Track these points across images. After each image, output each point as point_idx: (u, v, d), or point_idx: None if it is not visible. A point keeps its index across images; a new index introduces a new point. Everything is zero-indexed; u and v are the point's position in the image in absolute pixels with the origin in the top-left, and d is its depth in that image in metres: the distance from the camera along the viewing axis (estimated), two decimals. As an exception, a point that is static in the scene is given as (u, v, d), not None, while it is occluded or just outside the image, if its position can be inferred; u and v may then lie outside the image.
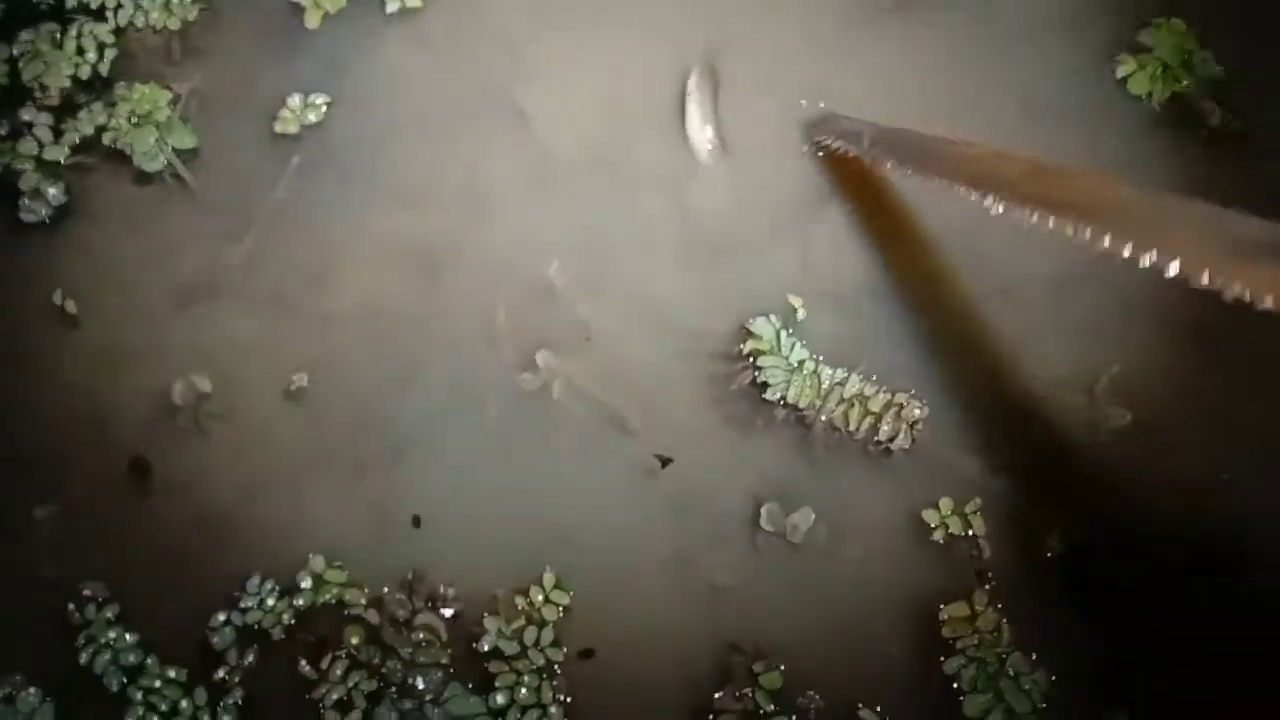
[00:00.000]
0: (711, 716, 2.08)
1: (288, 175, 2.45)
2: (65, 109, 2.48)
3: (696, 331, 2.33)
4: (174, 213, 2.44)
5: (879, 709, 2.09)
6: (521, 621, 2.13)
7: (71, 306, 2.35)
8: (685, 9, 2.58)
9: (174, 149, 2.45)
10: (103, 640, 2.11)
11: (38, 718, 2.08)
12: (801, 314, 2.30)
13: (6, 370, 2.33)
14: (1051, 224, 1.79)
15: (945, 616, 2.12)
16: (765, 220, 2.41)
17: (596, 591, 2.16)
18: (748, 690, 2.09)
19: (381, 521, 2.22)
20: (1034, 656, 2.10)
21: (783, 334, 2.27)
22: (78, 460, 2.26)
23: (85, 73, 2.50)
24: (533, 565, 2.17)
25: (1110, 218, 1.71)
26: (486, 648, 2.11)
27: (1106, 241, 1.69)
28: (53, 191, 2.42)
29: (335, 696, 2.08)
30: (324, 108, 2.49)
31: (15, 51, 2.50)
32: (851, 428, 2.22)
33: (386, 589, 2.16)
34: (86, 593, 2.15)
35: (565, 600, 2.14)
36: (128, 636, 2.12)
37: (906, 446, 2.21)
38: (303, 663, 2.11)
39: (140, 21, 2.54)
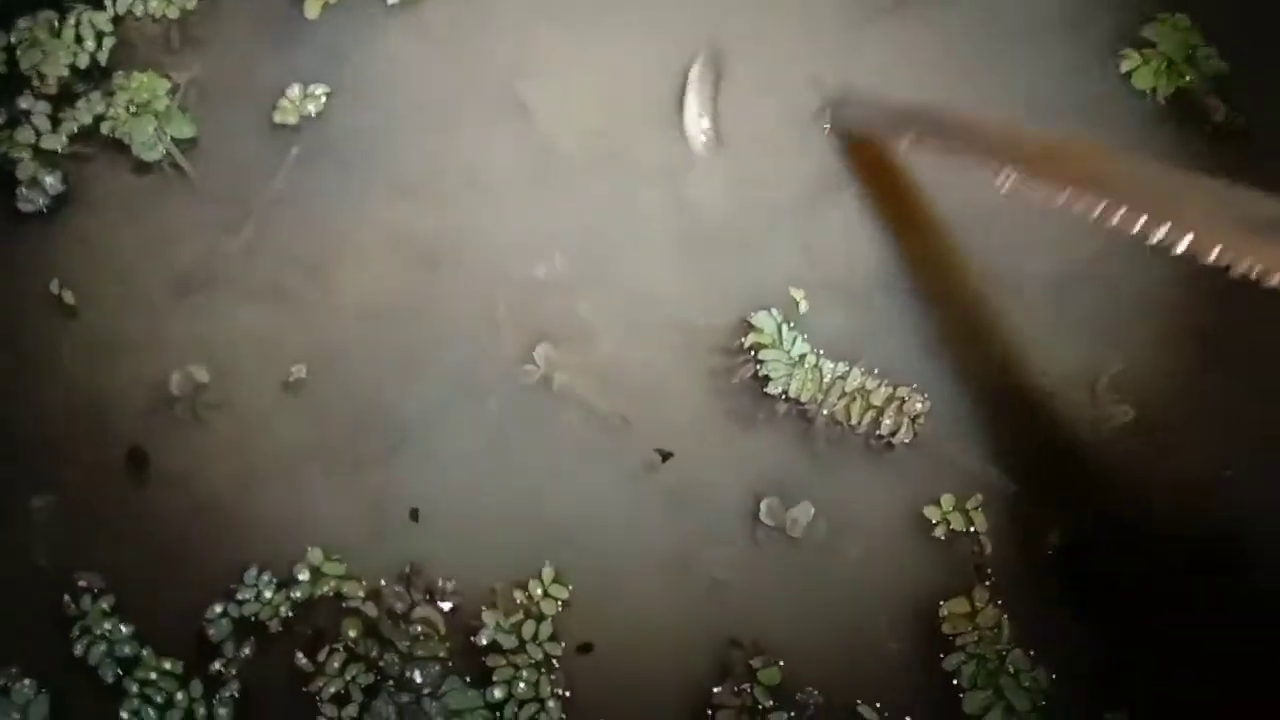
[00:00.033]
0: (710, 712, 2.08)
1: (287, 165, 2.44)
2: (63, 97, 2.47)
3: (698, 325, 2.32)
4: (172, 202, 2.43)
5: (878, 705, 2.09)
6: (520, 615, 2.12)
7: (69, 296, 2.34)
8: (687, 3, 2.56)
9: (173, 138, 2.44)
10: (98, 631, 2.11)
11: (33, 709, 2.08)
12: (803, 307, 2.29)
13: (3, 360, 2.32)
14: (1065, 199, 1.79)
15: (945, 613, 2.12)
16: (767, 213, 2.41)
17: (595, 586, 2.16)
18: (746, 686, 2.08)
19: (380, 514, 2.22)
20: (1034, 654, 2.09)
21: (784, 327, 2.26)
22: (75, 450, 2.25)
23: (84, 61, 2.49)
24: (531, 559, 2.16)
25: (1125, 191, 1.71)
26: (485, 641, 2.11)
27: (1121, 215, 1.68)
28: (50, 180, 2.41)
29: (332, 689, 2.07)
30: (323, 98, 2.48)
31: (13, 39, 2.49)
32: (853, 422, 2.21)
33: (384, 582, 2.16)
34: (82, 583, 2.14)
35: (564, 594, 2.14)
36: (123, 628, 2.12)
37: (908, 441, 2.21)
38: (300, 655, 2.10)
39: (139, 10, 2.53)
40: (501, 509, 2.22)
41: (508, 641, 2.10)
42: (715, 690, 2.09)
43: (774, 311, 2.28)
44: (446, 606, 2.14)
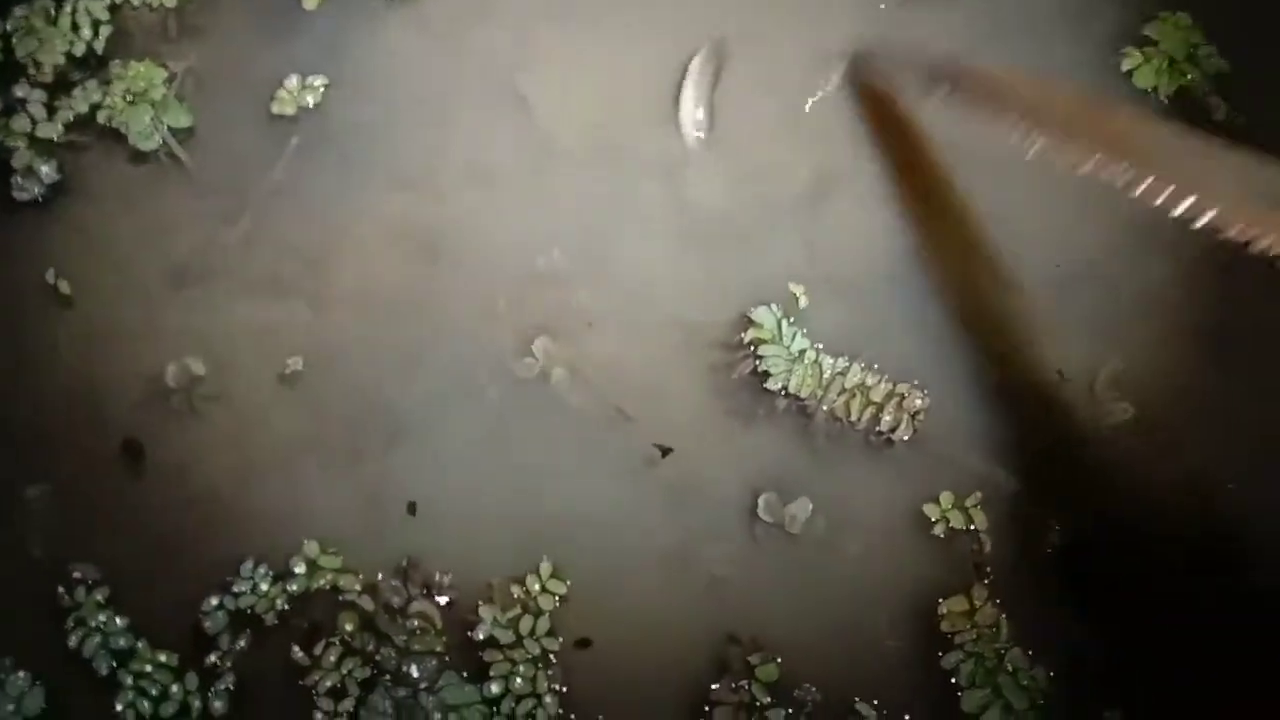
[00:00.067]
0: (708, 708, 2.07)
1: (285, 157, 2.43)
2: (59, 86, 2.45)
3: (697, 319, 2.32)
4: (169, 193, 2.42)
5: (876, 703, 2.08)
6: (517, 610, 2.11)
7: (65, 286, 2.32)
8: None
9: (169, 128, 2.42)
10: (93, 623, 2.10)
11: (27, 701, 2.06)
12: (803, 303, 2.29)
13: (-2, 349, 2.31)
14: (1093, 166, 1.77)
15: (944, 611, 2.11)
16: (767, 209, 2.40)
17: (593, 581, 2.15)
18: (744, 682, 2.08)
19: (377, 507, 2.21)
20: (1032, 652, 2.09)
21: (784, 323, 2.26)
22: (70, 441, 2.24)
23: (80, 50, 2.47)
24: (529, 554, 2.15)
25: (1152, 158, 1.69)
26: (482, 636, 2.10)
27: (1147, 185, 1.67)
28: (46, 169, 2.39)
29: (328, 683, 2.06)
30: (322, 90, 2.46)
31: (9, 27, 2.47)
32: (853, 418, 2.21)
33: (381, 575, 2.15)
34: (77, 575, 2.13)
35: (562, 589, 2.13)
36: (118, 620, 2.10)
37: (908, 438, 2.21)
38: (296, 649, 2.09)
39: (136, -2, 2.51)
40: (499, 503, 2.21)
41: (505, 636, 2.09)
42: (713, 686, 2.08)
43: (774, 307, 2.27)
44: (443, 601, 2.14)
